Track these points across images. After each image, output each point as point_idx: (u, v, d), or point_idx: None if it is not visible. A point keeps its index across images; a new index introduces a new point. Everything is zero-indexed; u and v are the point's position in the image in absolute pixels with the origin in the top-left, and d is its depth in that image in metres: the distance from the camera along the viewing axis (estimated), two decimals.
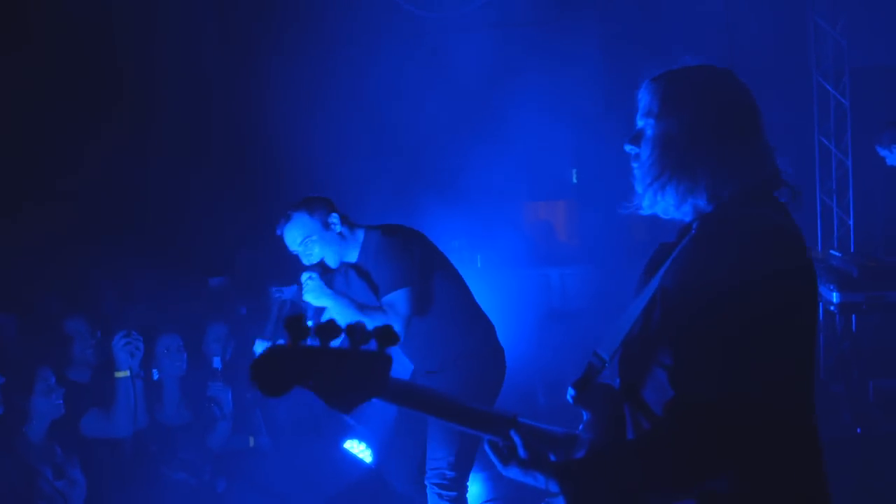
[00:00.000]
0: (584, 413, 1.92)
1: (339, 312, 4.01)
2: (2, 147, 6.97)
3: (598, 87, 9.19)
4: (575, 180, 10.84)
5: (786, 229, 1.83)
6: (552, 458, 1.85)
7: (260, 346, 4.14)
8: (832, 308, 6.30)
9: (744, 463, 1.72)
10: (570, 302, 9.50)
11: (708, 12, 8.46)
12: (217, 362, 4.69)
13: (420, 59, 9.10)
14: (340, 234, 4.11)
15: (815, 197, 8.28)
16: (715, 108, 1.93)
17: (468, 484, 4.17)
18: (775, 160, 1.96)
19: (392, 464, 4.31)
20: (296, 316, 1.68)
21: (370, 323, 3.88)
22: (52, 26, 7.12)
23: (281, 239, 4.16)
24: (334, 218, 4.11)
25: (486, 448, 1.88)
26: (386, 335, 1.69)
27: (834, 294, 6.17)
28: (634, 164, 2.02)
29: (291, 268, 4.31)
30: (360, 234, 4.16)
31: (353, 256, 4.17)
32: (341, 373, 1.67)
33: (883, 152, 6.65)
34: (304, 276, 4.06)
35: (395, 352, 4.21)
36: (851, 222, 8.26)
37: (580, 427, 1.92)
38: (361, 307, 4.02)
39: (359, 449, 5.40)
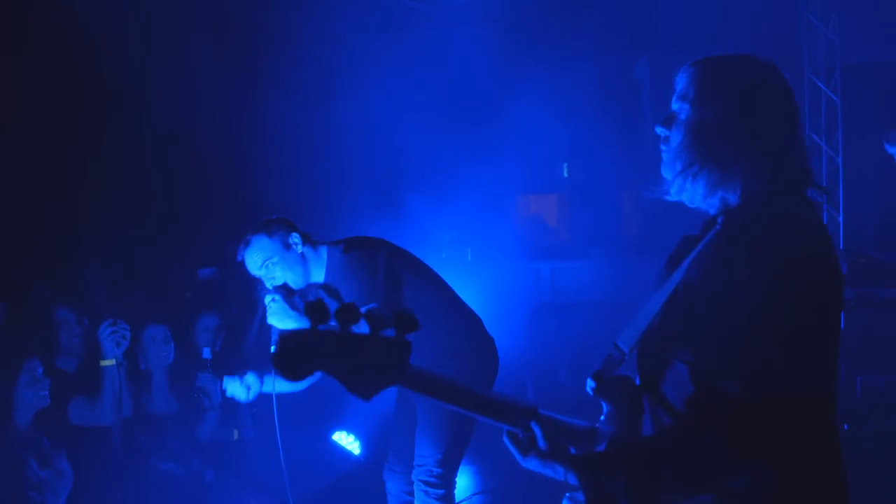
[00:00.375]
0: (604, 405, 1.90)
1: None
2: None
3: (590, 82, 9.19)
4: (566, 174, 10.86)
5: (814, 227, 1.80)
6: (572, 450, 1.84)
7: (229, 383, 4.08)
8: None
9: (765, 460, 1.70)
10: (561, 295, 9.52)
11: (701, 8, 8.47)
12: (207, 353, 4.67)
13: (412, 51, 9.09)
14: (302, 254, 3.96)
15: None
16: (753, 100, 1.89)
17: (456, 479, 4.15)
18: (808, 158, 1.94)
19: (390, 462, 4.26)
20: (316, 300, 1.65)
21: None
22: (51, 29, 7.10)
23: (242, 264, 4.01)
24: (295, 238, 3.96)
25: (505, 439, 1.86)
26: (404, 321, 1.68)
27: None
28: (663, 147, 1.98)
29: None
30: (324, 252, 4.01)
31: (319, 276, 4.01)
32: (361, 358, 1.66)
33: (891, 150, 6.66)
34: (268, 299, 3.89)
35: None
36: (841, 219, 8.29)
37: (601, 420, 1.90)
38: None
39: (347, 441, 5.40)
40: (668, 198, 1.99)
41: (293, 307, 4.13)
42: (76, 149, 7.41)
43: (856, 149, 8.04)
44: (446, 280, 4.21)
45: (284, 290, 3.91)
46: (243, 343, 5.54)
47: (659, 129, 1.98)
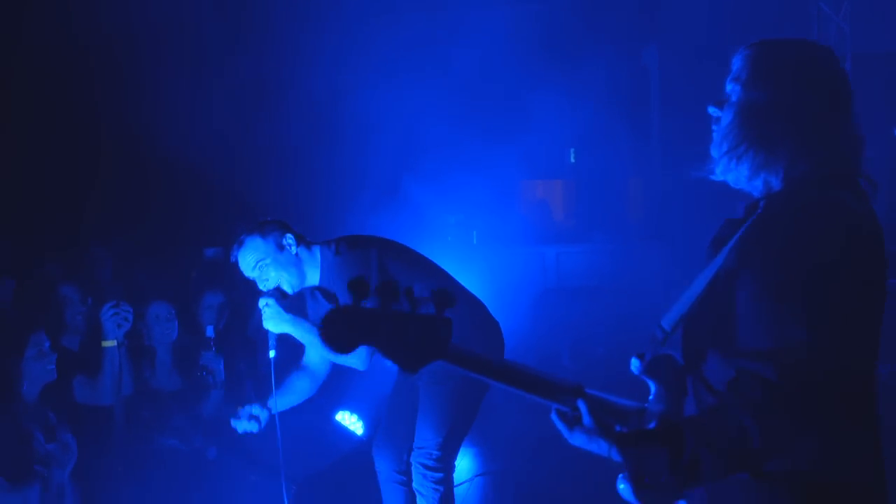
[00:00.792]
0: (650, 384, 1.92)
1: (301, 337, 3.86)
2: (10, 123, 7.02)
3: (599, 69, 9.16)
4: (573, 160, 10.86)
5: (857, 214, 1.80)
6: (618, 429, 1.87)
7: (237, 424, 3.93)
8: None
9: (801, 443, 1.72)
10: (566, 280, 9.53)
11: None
12: (210, 331, 4.68)
13: (420, 35, 9.06)
14: (297, 255, 3.89)
15: None
16: (803, 85, 1.90)
17: (455, 463, 4.16)
18: (862, 147, 1.94)
19: (378, 440, 4.26)
20: (358, 277, 1.73)
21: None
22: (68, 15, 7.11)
23: (236, 265, 3.93)
24: (289, 239, 3.88)
25: (553, 416, 1.90)
26: (443, 298, 1.75)
27: None
28: (714, 127, 2.00)
29: None
30: (318, 253, 3.95)
31: (314, 278, 3.94)
32: (404, 334, 1.73)
33: None
34: (262, 303, 3.81)
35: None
36: None
37: (649, 399, 1.93)
38: None
39: (350, 421, 5.42)
40: (713, 177, 2.01)
41: (315, 301, 4.10)
42: (86, 129, 7.44)
43: (866, 138, 8.00)
44: (447, 266, 4.17)
45: (278, 294, 3.84)
46: (247, 323, 5.55)
47: (711, 110, 2.00)
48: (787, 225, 1.78)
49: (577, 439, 1.86)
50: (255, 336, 5.39)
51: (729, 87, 1.98)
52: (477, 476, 5.65)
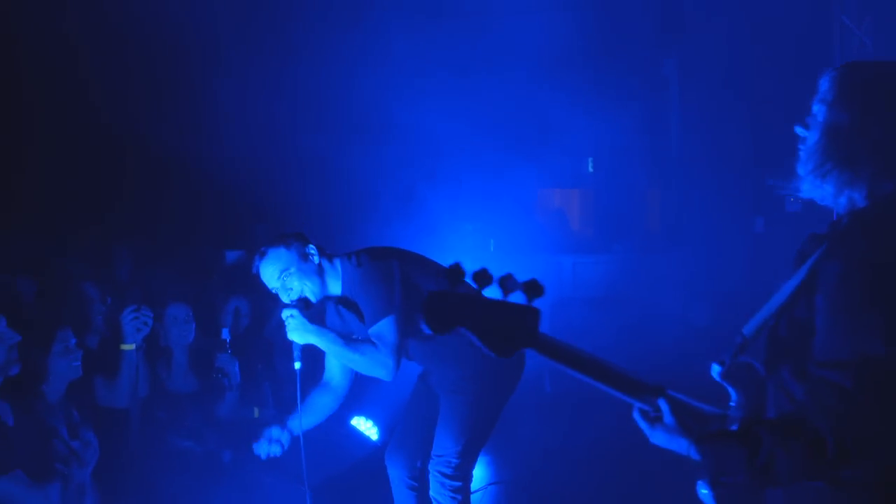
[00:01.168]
0: (730, 390, 1.97)
1: (326, 348, 3.89)
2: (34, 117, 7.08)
3: (618, 78, 9.16)
4: (591, 169, 10.84)
5: None
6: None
7: (258, 448, 4.02)
8: None
9: (874, 453, 1.76)
10: (582, 290, 9.52)
11: (732, 8, 8.41)
12: (225, 333, 4.70)
13: (438, 44, 9.09)
14: (319, 265, 3.93)
15: None
16: (888, 107, 1.96)
17: (472, 472, 4.14)
18: None
19: (392, 446, 4.27)
20: (455, 264, 1.87)
21: (360, 357, 3.81)
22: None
23: (257, 276, 3.96)
24: (311, 249, 3.93)
25: (635, 414, 1.99)
26: (534, 289, 1.85)
27: None
28: (801, 147, 2.06)
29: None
30: (338, 265, 3.98)
31: (336, 288, 3.98)
32: (497, 320, 1.84)
33: None
34: (286, 314, 3.83)
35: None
36: None
37: (731, 405, 1.98)
38: (349, 341, 3.86)
39: (366, 426, 5.42)
40: (799, 195, 2.08)
41: (337, 311, 4.07)
42: (110, 130, 7.49)
43: None
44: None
45: (302, 304, 3.86)
46: (264, 325, 5.58)
47: (798, 129, 2.07)
48: (868, 241, 1.84)
49: (658, 437, 1.95)
50: (273, 338, 5.41)
51: (815, 108, 2.04)
52: (490, 485, 5.65)
